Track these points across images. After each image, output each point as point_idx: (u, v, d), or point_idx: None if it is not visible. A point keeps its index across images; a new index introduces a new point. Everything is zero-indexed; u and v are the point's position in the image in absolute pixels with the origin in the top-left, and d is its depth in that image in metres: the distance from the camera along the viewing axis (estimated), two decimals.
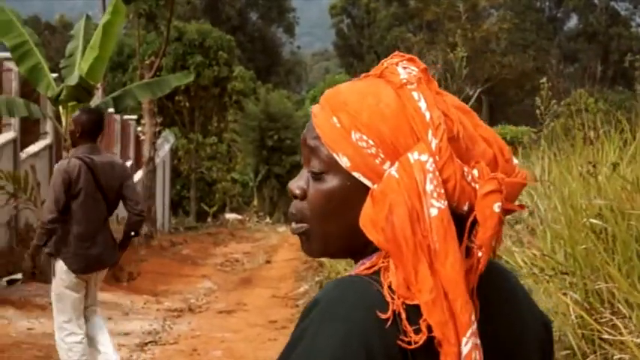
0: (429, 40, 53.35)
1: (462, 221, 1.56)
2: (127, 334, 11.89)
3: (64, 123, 16.91)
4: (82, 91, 15.80)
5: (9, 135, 18.67)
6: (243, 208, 43.55)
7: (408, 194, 1.52)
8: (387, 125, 1.58)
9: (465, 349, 1.51)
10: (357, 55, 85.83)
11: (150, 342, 11.42)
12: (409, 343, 1.51)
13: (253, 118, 44.47)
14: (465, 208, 1.57)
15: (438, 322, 1.50)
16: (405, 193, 1.52)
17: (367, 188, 1.59)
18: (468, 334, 1.51)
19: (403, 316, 1.51)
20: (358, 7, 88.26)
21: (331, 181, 1.63)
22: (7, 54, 17.96)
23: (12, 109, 15.83)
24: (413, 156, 1.54)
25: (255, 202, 42.55)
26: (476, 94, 53.55)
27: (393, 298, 1.52)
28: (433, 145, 1.54)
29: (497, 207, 1.54)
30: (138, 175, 29.87)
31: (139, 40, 27.95)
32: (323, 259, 19.70)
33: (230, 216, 39.61)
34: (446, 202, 1.53)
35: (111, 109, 19.79)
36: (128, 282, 17.40)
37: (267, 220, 40.36)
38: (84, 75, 15.82)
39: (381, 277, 1.56)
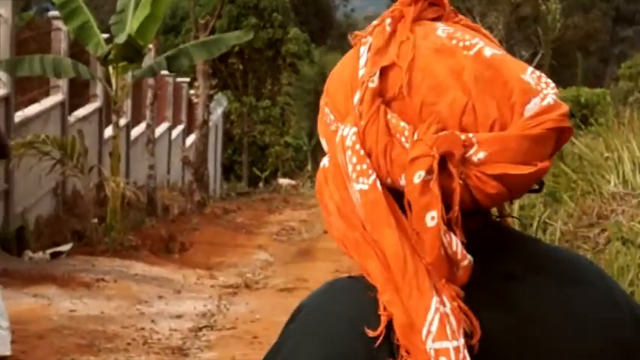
0: (493, 0, 51.84)
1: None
2: (179, 316, 10.92)
3: (113, 84, 16.00)
4: (132, 50, 14.86)
5: (57, 98, 17.76)
6: (295, 173, 42.82)
7: (335, 185, 1.31)
8: (342, 93, 1.35)
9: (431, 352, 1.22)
10: None
11: (205, 327, 10.42)
12: None
13: (309, 81, 43.50)
14: (402, 182, 1.28)
15: (399, 325, 1.24)
16: (331, 185, 1.31)
17: None
18: (425, 331, 1.23)
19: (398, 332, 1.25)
20: None
21: None
22: (57, 12, 17.11)
23: (59, 70, 15.01)
24: (341, 131, 1.32)
25: (309, 167, 41.68)
26: (538, 57, 52.10)
27: (386, 309, 1.26)
28: (357, 110, 1.30)
29: (417, 177, 1.24)
30: (190, 140, 29.04)
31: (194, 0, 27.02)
32: None
33: (283, 181, 38.81)
34: (372, 179, 1.28)
35: (164, 71, 18.89)
36: (180, 253, 16.55)
37: None
38: (133, 33, 14.86)
39: None
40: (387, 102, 1.30)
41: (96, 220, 14.95)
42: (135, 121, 23.20)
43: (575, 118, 24.43)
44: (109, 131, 19.58)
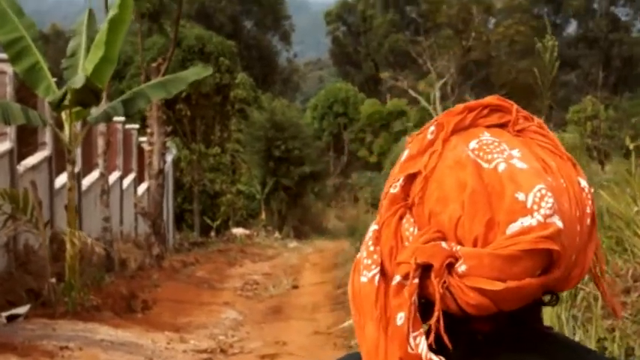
0: (442, 44, 51.31)
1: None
2: None
3: (66, 131, 14.74)
4: (89, 95, 13.69)
5: (4, 146, 16.39)
6: (248, 222, 41.67)
7: (356, 273, 1.46)
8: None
9: None
10: (353, 63, 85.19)
11: None
12: None
13: (259, 128, 42.32)
14: None
15: None
16: (355, 274, 1.46)
17: None
18: None
19: None
20: (354, 14, 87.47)
21: None
22: (2, 55, 15.84)
23: (7, 116, 13.75)
24: (369, 227, 1.49)
25: (263, 216, 40.48)
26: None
27: None
28: (379, 211, 1.47)
29: (394, 280, 1.39)
30: (142, 189, 27.71)
31: (142, 42, 25.87)
32: None
33: (237, 231, 37.68)
34: (372, 273, 1.42)
35: (117, 118, 17.70)
36: (143, 312, 15.37)
37: (277, 234, 38.43)
38: (89, 77, 13.64)
39: None
40: (409, 206, 1.42)
41: (54, 280, 13.57)
42: (85, 170, 21.87)
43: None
44: (59, 181, 18.32)
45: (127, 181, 27.28)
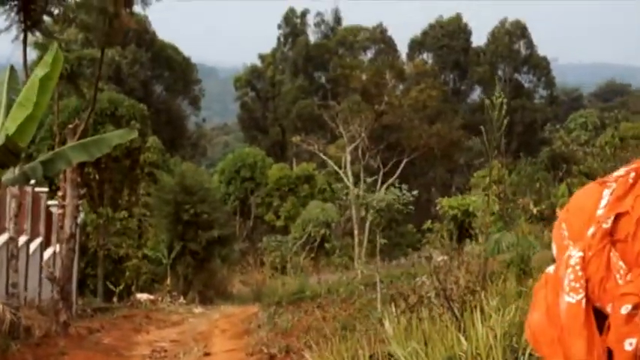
0: (354, 109, 51.67)
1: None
2: None
3: None
4: (9, 155, 13.32)
5: None
6: (153, 287, 41.06)
7: (551, 289, 1.66)
8: (580, 219, 1.70)
9: None
10: (261, 128, 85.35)
11: None
12: None
13: (168, 191, 41.94)
14: (609, 309, 1.60)
15: None
16: (548, 289, 1.67)
17: None
18: None
19: None
20: (263, 80, 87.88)
21: None
22: None
23: None
24: (570, 251, 1.67)
25: (169, 281, 39.92)
26: (403, 164, 52.04)
27: None
28: (588, 241, 1.64)
29: (624, 309, 1.53)
30: (47, 253, 27.19)
31: (57, 104, 25.53)
32: (273, 351, 17.36)
33: (142, 296, 37.13)
34: (580, 297, 1.60)
35: (33, 181, 17.34)
36: None
37: (182, 300, 37.92)
38: (11, 135, 13.33)
39: None
40: (614, 242, 1.63)
41: None
42: None
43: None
44: None
45: (34, 245, 26.74)
